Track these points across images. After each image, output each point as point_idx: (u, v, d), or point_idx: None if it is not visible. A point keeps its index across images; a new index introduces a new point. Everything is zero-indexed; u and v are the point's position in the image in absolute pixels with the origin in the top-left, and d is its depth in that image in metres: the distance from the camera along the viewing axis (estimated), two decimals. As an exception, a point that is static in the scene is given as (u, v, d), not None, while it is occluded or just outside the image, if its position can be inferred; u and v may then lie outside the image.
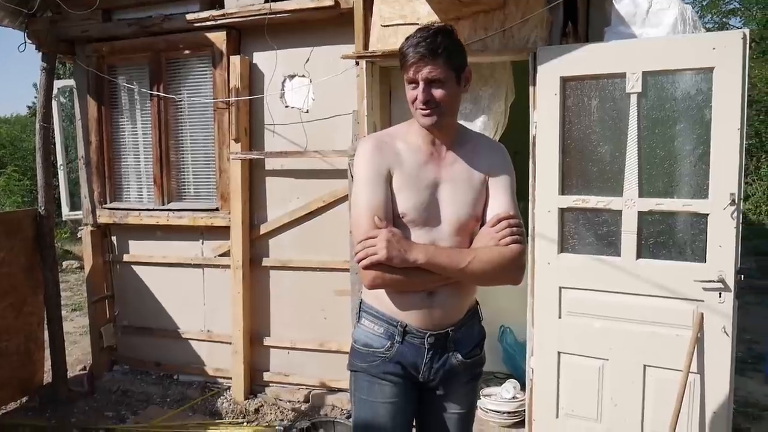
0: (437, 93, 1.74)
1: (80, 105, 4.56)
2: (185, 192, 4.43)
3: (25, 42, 4.17)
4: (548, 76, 3.12)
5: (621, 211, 2.99)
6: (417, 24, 3.09)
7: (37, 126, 4.18)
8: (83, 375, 4.53)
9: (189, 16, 4.04)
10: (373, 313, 1.89)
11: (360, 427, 1.95)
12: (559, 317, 3.19)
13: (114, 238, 4.65)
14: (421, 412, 1.99)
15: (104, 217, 4.53)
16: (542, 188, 3.18)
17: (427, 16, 3.33)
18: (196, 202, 4.38)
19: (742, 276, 2.79)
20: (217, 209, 4.22)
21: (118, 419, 4.01)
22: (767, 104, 11.79)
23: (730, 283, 2.77)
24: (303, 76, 3.98)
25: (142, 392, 4.35)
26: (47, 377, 4.35)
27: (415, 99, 1.76)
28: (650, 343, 2.96)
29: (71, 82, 4.72)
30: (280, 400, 4.14)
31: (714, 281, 2.78)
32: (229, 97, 4.03)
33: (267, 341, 4.25)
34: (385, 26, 3.51)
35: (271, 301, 4.23)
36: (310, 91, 3.97)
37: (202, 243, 4.38)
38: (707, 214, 2.80)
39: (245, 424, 3.91)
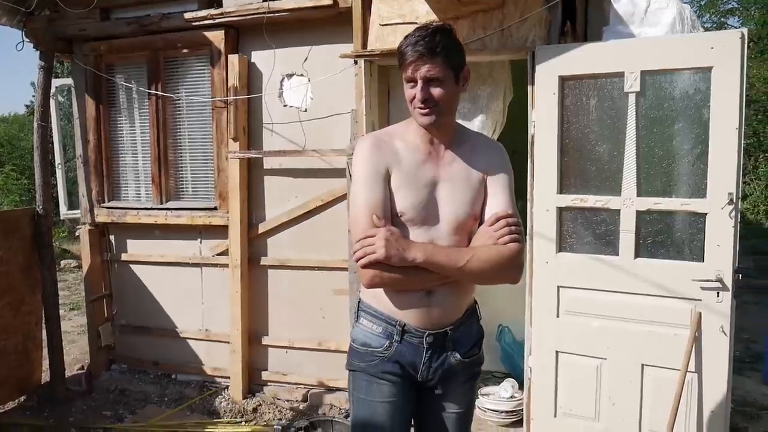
0: (436, 92, 1.74)
1: (78, 104, 4.56)
2: (183, 191, 4.43)
3: (23, 41, 4.16)
4: (547, 76, 3.12)
5: (619, 210, 3.00)
6: (415, 23, 3.09)
7: (35, 125, 4.17)
8: (81, 374, 4.53)
9: (187, 15, 4.04)
10: (372, 313, 1.89)
11: (358, 427, 1.95)
12: (558, 316, 3.19)
13: (112, 237, 4.64)
14: (420, 412, 1.98)
15: (102, 216, 4.53)
16: (540, 187, 3.19)
17: (426, 15, 3.33)
18: (195, 201, 4.37)
19: (740, 275, 2.79)
20: (215, 208, 4.22)
21: (116, 418, 4.01)
22: (765, 104, 11.80)
23: (728, 282, 2.77)
24: (301, 75, 3.97)
25: (140, 391, 4.34)
26: (45, 376, 4.35)
27: (414, 98, 1.76)
28: (648, 343, 2.97)
29: (69, 80, 4.71)
30: (279, 399, 4.13)
31: (712, 280, 2.79)
32: (227, 96, 4.02)
33: (265, 340, 4.24)
34: (383, 25, 3.50)
35: (270, 301, 4.23)
36: (309, 90, 3.96)
37: (201, 242, 4.38)
38: (705, 214, 2.81)
39: (243, 423, 3.91)
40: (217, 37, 4.04)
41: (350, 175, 2.79)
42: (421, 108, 1.76)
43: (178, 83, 4.32)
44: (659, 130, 2.93)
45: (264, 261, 4.19)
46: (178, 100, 4.32)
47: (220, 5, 4.00)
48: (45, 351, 4.30)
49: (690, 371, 2.85)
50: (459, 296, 1.87)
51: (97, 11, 4.25)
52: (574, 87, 3.09)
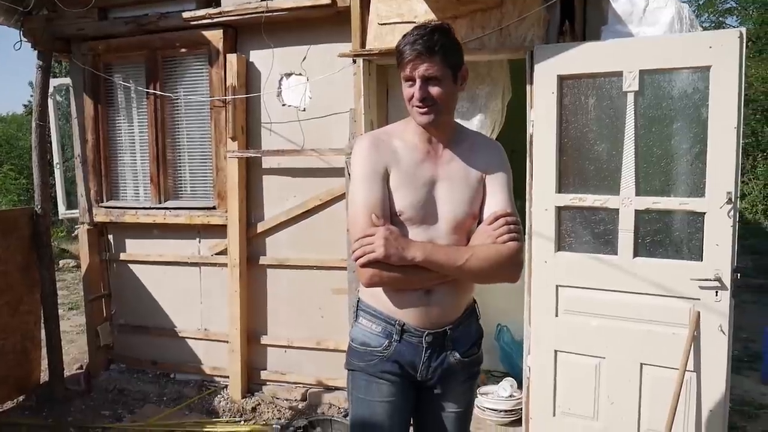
0: (434, 90, 1.74)
1: (76, 103, 4.55)
2: (182, 190, 4.42)
3: (21, 40, 4.16)
4: (545, 75, 3.12)
5: (618, 209, 3.00)
6: (414, 22, 3.09)
7: (34, 124, 4.17)
8: (80, 374, 4.52)
9: (185, 14, 4.03)
10: (371, 312, 1.89)
11: (357, 426, 1.95)
12: (556, 315, 3.19)
13: (110, 237, 4.63)
14: (419, 411, 1.98)
15: (101, 216, 4.52)
16: (539, 186, 3.19)
17: (425, 14, 3.33)
18: (193, 200, 4.37)
19: (739, 275, 2.79)
20: (213, 208, 4.21)
21: (115, 418, 4.00)
22: (764, 103, 11.81)
23: (727, 281, 2.78)
24: (300, 74, 3.97)
25: (139, 391, 4.34)
26: (44, 376, 4.34)
27: (412, 97, 1.76)
28: (647, 342, 2.97)
29: (67, 80, 4.70)
30: (277, 398, 4.13)
31: (711, 280, 2.79)
32: (225, 96, 4.02)
33: (264, 340, 4.24)
34: (382, 24, 3.50)
35: (268, 300, 4.23)
36: (307, 90, 3.96)
37: (199, 241, 4.38)
38: (704, 213, 2.81)
39: (242, 422, 3.91)
40: (215, 37, 4.04)
41: (349, 175, 2.79)
42: (419, 107, 1.76)
43: (176, 83, 4.32)
44: (658, 129, 2.94)
45: (263, 260, 4.19)
46: (177, 99, 4.31)
47: (218, 4, 4.00)
48: (44, 351, 4.29)
49: (689, 370, 2.85)
50: (458, 295, 1.87)
51: (95, 11, 4.24)
52: (572, 86, 3.09)
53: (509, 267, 1.78)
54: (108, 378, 4.52)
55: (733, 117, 2.71)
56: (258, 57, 4.07)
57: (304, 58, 3.93)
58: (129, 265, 4.59)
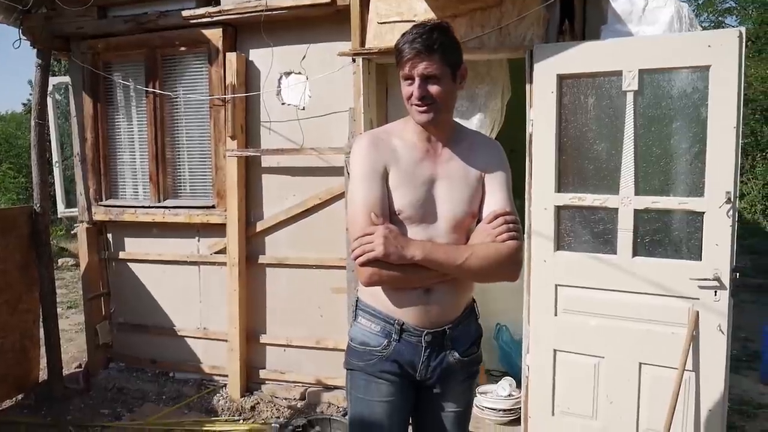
0: (433, 89, 1.74)
1: (75, 102, 4.54)
2: (181, 189, 4.42)
3: (20, 38, 4.16)
4: (545, 74, 3.12)
5: (617, 209, 3.00)
6: (414, 21, 3.09)
7: (32, 123, 4.16)
8: (79, 372, 4.52)
9: (185, 13, 4.03)
10: (370, 311, 1.88)
11: (356, 426, 1.94)
12: (555, 315, 3.20)
13: (109, 236, 4.63)
14: (418, 411, 1.98)
15: (100, 215, 4.52)
16: (538, 186, 3.19)
17: (424, 13, 3.33)
18: (192, 199, 4.37)
19: (738, 274, 2.79)
20: (213, 206, 4.21)
21: (114, 417, 4.00)
22: (763, 103, 11.82)
23: (726, 281, 2.78)
24: (299, 73, 3.97)
25: (138, 390, 4.34)
26: (43, 375, 4.34)
27: (411, 95, 1.76)
28: (646, 341, 2.97)
29: (66, 78, 4.69)
30: (277, 397, 4.13)
31: (709, 279, 2.79)
32: (225, 94, 4.02)
33: (263, 339, 4.24)
34: (381, 23, 3.50)
35: (268, 299, 4.23)
36: (307, 89, 3.96)
37: (198, 240, 4.38)
38: (703, 213, 2.81)
39: (241, 421, 3.91)
40: (215, 35, 4.04)
41: (348, 174, 2.79)
42: (418, 105, 1.76)
43: (175, 81, 4.31)
44: (657, 128, 2.94)
45: (262, 259, 4.19)
46: (176, 98, 4.31)
47: (217, 3, 4.00)
48: (42, 349, 4.29)
49: (687, 370, 2.85)
50: (458, 294, 1.87)
51: (95, 9, 4.24)
52: (572, 86, 3.09)
53: (509, 266, 1.78)
54: (107, 377, 4.52)
55: (733, 117, 2.71)
56: (257, 56, 4.07)
57: (304, 56, 3.93)
58: (128, 263, 4.59)
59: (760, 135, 12.10)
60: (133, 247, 4.57)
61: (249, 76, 4.08)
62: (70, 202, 4.96)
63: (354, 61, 3.60)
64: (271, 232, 4.16)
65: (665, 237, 2.95)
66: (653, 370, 2.97)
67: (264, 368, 4.27)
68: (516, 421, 3.61)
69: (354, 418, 1.95)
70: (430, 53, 1.70)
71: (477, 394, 3.74)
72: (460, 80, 1.82)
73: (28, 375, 4.24)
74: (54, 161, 5.10)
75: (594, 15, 3.23)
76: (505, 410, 3.68)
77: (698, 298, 2.84)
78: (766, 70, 11.82)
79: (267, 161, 4.10)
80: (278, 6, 3.77)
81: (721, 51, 2.71)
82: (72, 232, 9.07)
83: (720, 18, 14.23)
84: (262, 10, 3.80)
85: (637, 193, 2.95)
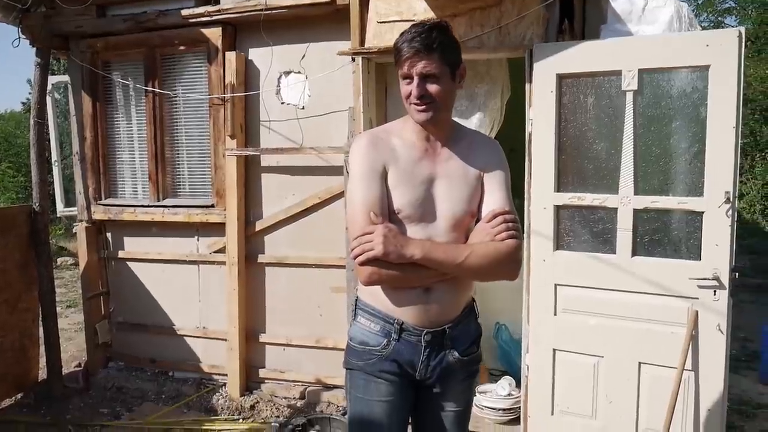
0: (432, 88, 1.74)
1: (75, 101, 4.54)
2: (180, 188, 4.42)
3: (19, 37, 4.16)
4: (544, 74, 3.12)
5: (616, 208, 3.00)
6: (413, 20, 3.08)
7: (32, 122, 4.16)
8: (78, 371, 4.52)
9: (184, 12, 4.03)
10: (369, 311, 1.88)
11: (355, 425, 1.94)
12: (555, 314, 3.20)
13: (109, 235, 4.63)
14: (418, 410, 1.98)
15: (99, 214, 4.52)
16: (538, 185, 3.19)
17: (424, 12, 3.33)
18: (192, 198, 4.36)
19: (737, 274, 2.79)
20: (212, 206, 4.21)
21: (113, 416, 4.00)
22: (762, 103, 11.82)
23: (725, 281, 2.78)
24: (299, 72, 3.97)
25: (137, 389, 4.34)
26: (42, 374, 4.34)
27: (410, 94, 1.76)
28: (645, 341, 2.97)
29: (66, 77, 4.69)
30: (276, 396, 4.13)
31: (709, 279, 2.79)
32: (224, 94, 4.02)
33: (262, 338, 4.24)
34: (381, 23, 3.50)
35: (267, 298, 4.23)
36: (306, 88, 3.96)
37: (198, 239, 4.37)
38: (702, 212, 2.81)
39: (241, 420, 3.91)
40: (214, 35, 4.03)
41: (348, 173, 2.78)
42: (417, 104, 1.76)
43: (175, 80, 4.31)
44: (656, 128, 2.94)
45: (261, 258, 4.19)
46: (175, 97, 4.31)
47: (217, 2, 3.99)
48: (42, 348, 4.30)
49: (687, 369, 2.85)
50: (457, 293, 1.87)
51: (94, 8, 4.23)
52: (571, 85, 3.09)
53: (508, 264, 1.78)
54: (106, 376, 4.52)
55: (732, 116, 2.71)
56: (257, 55, 4.06)
57: (303, 56, 3.93)
58: (127, 262, 4.59)
59: (760, 135, 12.10)
60: (133, 246, 4.57)
61: (248, 75, 4.08)
62: (70, 201, 4.96)
63: (353, 60, 3.60)
64: (271, 232, 4.16)
65: (664, 237, 2.95)
66: (653, 370, 2.97)
67: (263, 367, 4.27)
68: (515, 421, 3.61)
69: (353, 417, 1.94)
70: (429, 52, 1.70)
71: (476, 394, 3.74)
72: (459, 79, 1.82)
73: (27, 374, 4.24)
74: (53, 160, 5.10)
75: (593, 14, 3.23)
76: (504, 409, 3.68)
77: (697, 298, 2.84)
78: (765, 70, 11.82)
79: (266, 160, 4.10)
80: (278, 5, 3.77)
81: (721, 51, 2.71)
82: (71, 231, 9.09)
83: (719, 18, 14.24)
84: (261, 10, 3.80)
85: (636, 193, 2.95)
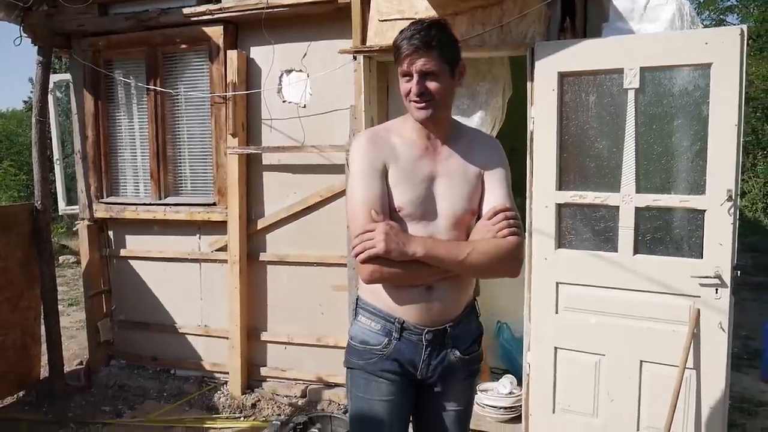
0: (431, 85, 1.74)
1: (77, 99, 4.54)
2: (182, 187, 4.42)
3: (21, 36, 4.15)
4: (546, 72, 3.11)
5: (618, 206, 3.00)
6: (415, 19, 3.08)
7: (34, 120, 4.17)
8: (80, 369, 4.53)
9: (186, 11, 4.03)
10: (370, 310, 1.88)
11: (356, 425, 1.94)
12: (556, 313, 3.19)
13: (111, 233, 4.64)
14: (419, 409, 1.98)
15: (101, 212, 4.52)
16: (540, 184, 3.18)
17: (425, 11, 3.32)
18: (193, 196, 4.37)
19: (739, 272, 2.79)
20: (214, 204, 4.21)
21: (115, 414, 4.01)
22: (764, 101, 11.81)
23: (727, 279, 2.77)
24: (300, 70, 3.97)
25: (139, 387, 4.35)
26: (44, 372, 4.35)
27: (409, 92, 1.76)
28: (647, 339, 2.97)
29: (68, 76, 4.70)
30: (277, 395, 4.14)
31: (710, 277, 2.79)
32: (226, 92, 4.02)
33: (264, 336, 4.25)
34: (382, 21, 3.50)
35: (268, 296, 4.23)
36: (308, 86, 3.96)
37: (199, 238, 4.38)
38: (704, 210, 2.81)
39: (242, 418, 3.91)
40: (215, 33, 4.03)
41: (349, 171, 2.78)
42: (416, 102, 1.75)
43: (176, 79, 4.31)
44: (658, 126, 2.93)
45: (263, 257, 4.19)
46: (177, 95, 4.31)
47: (218, 0, 3.99)
48: (44, 346, 4.31)
49: (688, 368, 2.85)
50: (459, 292, 1.86)
51: (95, 6, 4.24)
52: (573, 83, 3.09)
53: (510, 261, 1.78)
54: (108, 374, 4.53)
55: (734, 115, 2.70)
56: (258, 53, 4.06)
57: (305, 54, 3.93)
58: (129, 261, 4.59)
59: (761, 133, 12.09)
60: (134, 244, 4.58)
61: (250, 73, 4.08)
62: (71, 200, 4.96)
63: (355, 58, 3.60)
64: (272, 230, 4.16)
65: (666, 235, 2.95)
66: (654, 368, 2.97)
67: (265, 365, 4.27)
68: (517, 419, 3.61)
69: (354, 416, 1.94)
70: (428, 50, 1.70)
71: (478, 392, 3.74)
72: (459, 77, 1.82)
73: (29, 372, 4.24)
74: (55, 158, 5.10)
75: (595, 12, 3.23)
76: (505, 408, 3.68)
77: (699, 296, 2.84)
78: (767, 68, 11.81)
79: (268, 159, 4.10)
80: (279, 3, 3.77)
81: (723, 49, 2.71)
82: (73, 229, 9.10)
83: (721, 16, 14.24)
84: (263, 8, 3.79)
85: (638, 191, 2.95)
